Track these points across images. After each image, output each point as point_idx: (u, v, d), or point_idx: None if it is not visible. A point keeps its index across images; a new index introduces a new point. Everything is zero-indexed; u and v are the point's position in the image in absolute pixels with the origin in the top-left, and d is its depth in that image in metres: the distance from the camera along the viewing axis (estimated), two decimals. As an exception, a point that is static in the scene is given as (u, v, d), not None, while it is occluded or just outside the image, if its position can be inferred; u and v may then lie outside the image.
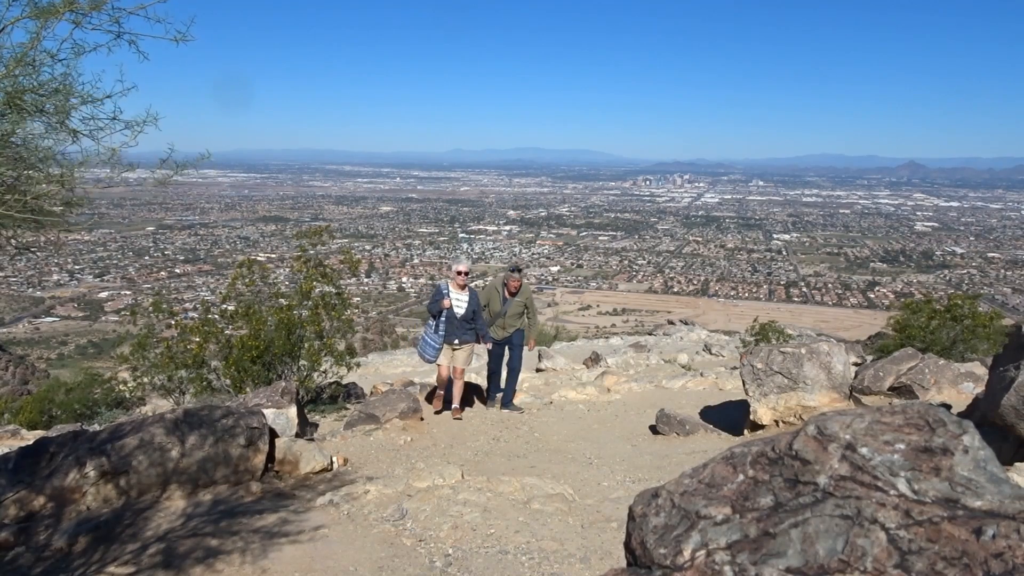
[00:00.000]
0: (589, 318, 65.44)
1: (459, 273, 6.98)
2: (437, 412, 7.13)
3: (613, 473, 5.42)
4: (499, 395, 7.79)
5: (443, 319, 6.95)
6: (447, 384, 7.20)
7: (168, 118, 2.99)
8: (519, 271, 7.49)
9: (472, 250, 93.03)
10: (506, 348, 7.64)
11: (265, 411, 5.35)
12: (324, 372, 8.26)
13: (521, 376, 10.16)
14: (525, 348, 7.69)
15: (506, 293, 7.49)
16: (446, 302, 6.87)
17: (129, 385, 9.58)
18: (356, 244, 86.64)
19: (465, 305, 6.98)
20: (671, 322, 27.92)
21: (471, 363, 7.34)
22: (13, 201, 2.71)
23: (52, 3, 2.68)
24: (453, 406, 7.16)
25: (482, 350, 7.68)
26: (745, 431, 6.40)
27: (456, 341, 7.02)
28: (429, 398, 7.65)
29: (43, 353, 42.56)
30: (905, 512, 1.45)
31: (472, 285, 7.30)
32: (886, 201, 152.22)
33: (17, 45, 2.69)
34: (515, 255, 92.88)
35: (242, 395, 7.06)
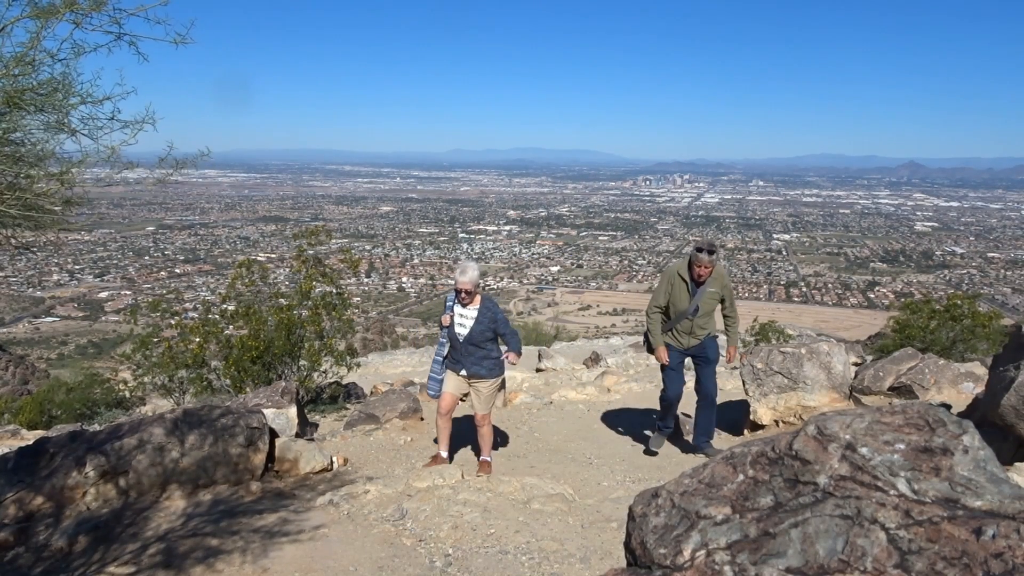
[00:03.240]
0: (589, 318, 65.42)
1: (458, 291, 5.15)
2: (428, 465, 5.26)
3: (613, 473, 5.42)
4: (669, 433, 6.03)
5: (444, 339, 5.36)
6: (447, 424, 5.39)
7: (168, 118, 2.99)
8: (711, 252, 5.26)
9: (472, 250, 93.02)
10: (691, 362, 5.79)
11: (265, 411, 5.35)
12: (324, 372, 8.26)
13: (521, 376, 10.07)
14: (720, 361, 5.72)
15: (693, 281, 5.42)
16: (446, 318, 5.29)
17: (129, 385, 9.59)
18: (356, 244, 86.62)
19: (470, 324, 5.17)
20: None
21: (492, 405, 5.44)
22: (12, 199, 2.71)
23: (52, 3, 2.68)
24: (481, 458, 5.43)
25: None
26: (745, 431, 6.40)
27: (463, 372, 5.26)
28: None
29: (43, 353, 42.54)
30: (905, 512, 1.45)
31: (487, 293, 5.64)
32: (886, 201, 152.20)
33: (17, 44, 2.70)
34: (515, 255, 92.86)
35: (242, 395, 7.07)
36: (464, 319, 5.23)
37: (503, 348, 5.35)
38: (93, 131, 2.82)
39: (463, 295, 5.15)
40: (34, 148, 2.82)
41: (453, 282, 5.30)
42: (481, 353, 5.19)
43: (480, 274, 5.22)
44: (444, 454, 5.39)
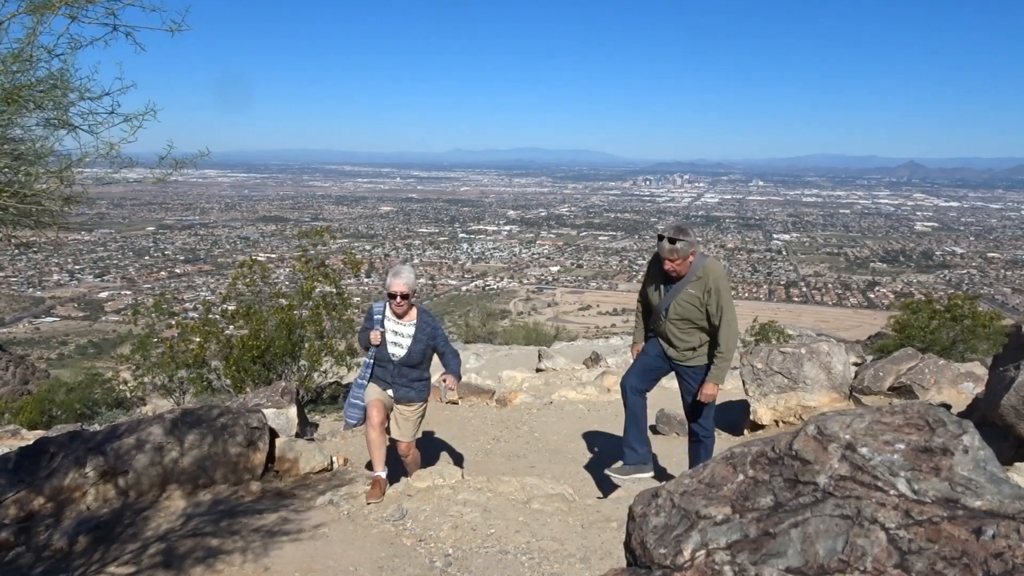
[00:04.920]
0: (589, 318, 65.40)
1: (392, 296, 4.39)
2: (372, 502, 4.31)
3: (613, 473, 5.42)
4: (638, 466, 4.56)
5: (371, 360, 4.52)
6: (381, 438, 4.53)
7: (168, 118, 2.99)
8: (673, 240, 4.11)
9: (472, 250, 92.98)
10: (672, 375, 4.59)
11: (265, 411, 5.35)
12: (324, 372, 8.27)
13: (521, 376, 10.06)
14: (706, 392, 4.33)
15: (663, 275, 4.33)
16: (375, 335, 4.43)
17: (130, 385, 9.59)
18: (356, 244, 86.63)
19: (407, 342, 4.46)
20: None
21: (419, 431, 4.70)
22: (11, 197, 2.71)
23: None
24: (378, 473, 4.47)
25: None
26: (745, 431, 6.40)
27: (391, 392, 4.51)
28: (371, 466, 4.70)
29: (43, 353, 42.53)
30: (905, 512, 1.45)
31: (423, 306, 4.75)
32: (886, 201, 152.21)
33: (14, 41, 2.70)
34: (515, 255, 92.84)
35: (242, 395, 7.07)
36: (399, 336, 4.50)
37: (426, 371, 4.64)
38: (93, 127, 2.82)
39: (397, 303, 4.42)
40: (33, 145, 2.82)
41: (386, 293, 4.47)
42: (415, 374, 4.52)
43: (416, 279, 4.53)
44: (383, 474, 4.49)
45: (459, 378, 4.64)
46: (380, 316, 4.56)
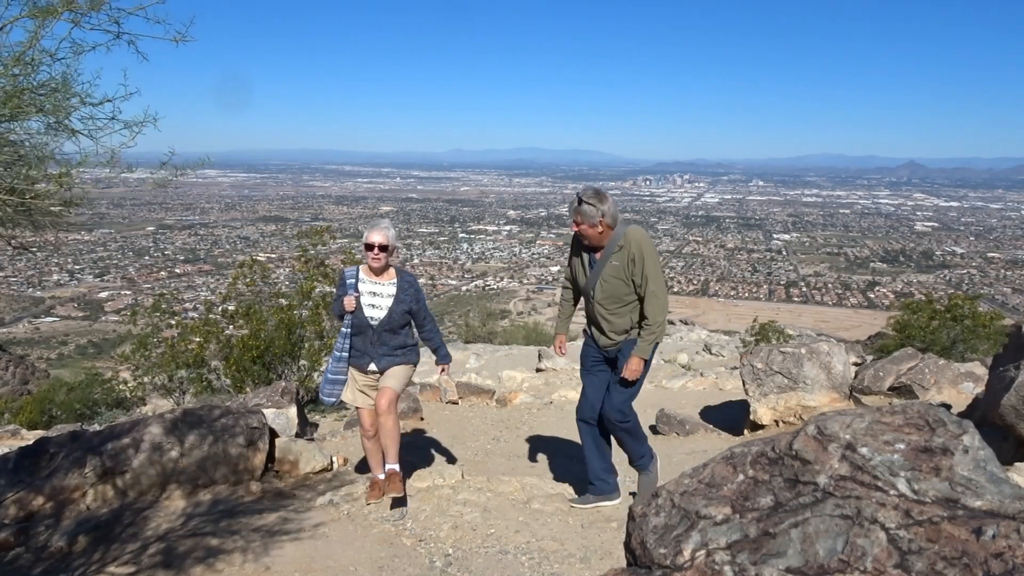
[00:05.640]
0: (589, 318, 65.35)
1: (370, 248, 3.97)
2: (372, 502, 4.17)
3: (613, 473, 5.42)
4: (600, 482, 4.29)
5: (348, 328, 4.07)
6: (376, 445, 4.22)
7: (168, 118, 2.99)
8: (581, 201, 3.79)
9: (472, 250, 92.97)
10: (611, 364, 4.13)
11: (265, 411, 5.35)
12: (324, 372, 8.26)
13: (521, 376, 10.06)
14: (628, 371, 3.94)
15: (585, 248, 3.98)
16: (349, 300, 4.00)
17: (130, 385, 9.59)
18: (356, 244, 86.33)
19: (386, 303, 4.03)
20: (671, 322, 27.91)
21: (404, 387, 4.24)
22: (12, 200, 2.71)
23: (51, 3, 2.68)
24: (388, 467, 4.15)
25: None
26: (745, 431, 6.40)
27: (372, 366, 4.09)
28: (362, 467, 4.77)
29: (43, 353, 42.55)
30: (905, 512, 1.45)
31: (405, 268, 4.43)
32: (886, 201, 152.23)
33: (16, 44, 2.70)
34: (515, 255, 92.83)
35: (242, 395, 7.07)
36: (377, 297, 4.05)
37: (418, 342, 4.23)
38: (93, 132, 2.83)
39: (374, 255, 3.95)
40: (34, 149, 2.82)
41: (363, 245, 4.02)
42: (396, 341, 4.07)
43: (396, 235, 4.05)
44: (382, 476, 4.26)
45: (450, 360, 4.35)
46: (353, 280, 4.07)
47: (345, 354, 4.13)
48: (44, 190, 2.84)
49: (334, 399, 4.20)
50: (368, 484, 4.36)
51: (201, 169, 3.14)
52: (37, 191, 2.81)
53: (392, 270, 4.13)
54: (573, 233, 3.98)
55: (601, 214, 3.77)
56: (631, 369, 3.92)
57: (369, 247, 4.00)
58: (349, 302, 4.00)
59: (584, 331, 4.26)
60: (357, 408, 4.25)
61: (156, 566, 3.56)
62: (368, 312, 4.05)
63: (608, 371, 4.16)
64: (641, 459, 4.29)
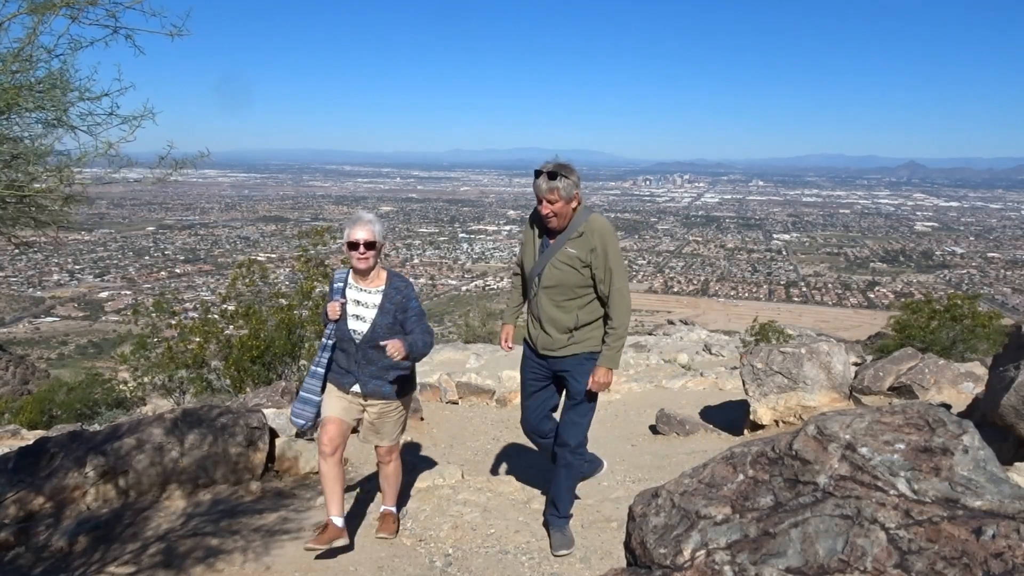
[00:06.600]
0: (589, 318, 65.26)
1: (353, 246, 3.39)
2: (312, 547, 3.51)
3: (613, 473, 5.42)
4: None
5: (329, 339, 3.51)
6: (337, 471, 3.52)
7: (168, 118, 3.00)
8: (553, 176, 3.30)
9: (472, 250, 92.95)
10: (557, 381, 3.71)
11: (265, 411, 5.35)
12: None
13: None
14: (593, 383, 3.49)
15: (541, 229, 3.53)
16: (333, 307, 3.46)
17: (130, 385, 9.59)
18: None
19: (371, 313, 3.45)
20: (671, 322, 27.91)
21: (401, 433, 3.74)
22: (11, 197, 2.72)
23: None
24: (383, 508, 3.85)
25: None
26: (745, 431, 6.40)
27: (356, 388, 3.51)
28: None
29: (43, 353, 42.55)
30: (905, 512, 1.45)
31: (405, 268, 4.04)
32: (886, 201, 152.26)
33: (14, 40, 2.70)
34: (515, 255, 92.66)
35: (242, 395, 7.07)
36: (361, 307, 3.47)
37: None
38: (91, 127, 2.83)
39: (359, 255, 3.38)
40: (33, 145, 2.82)
41: (345, 243, 3.43)
42: (386, 361, 3.38)
43: (384, 231, 3.50)
44: (338, 521, 3.53)
45: (410, 354, 3.35)
46: (342, 284, 3.54)
47: (322, 369, 3.53)
48: (43, 188, 2.84)
49: (304, 422, 3.52)
50: (318, 529, 3.58)
51: (201, 164, 3.14)
52: (37, 187, 2.81)
53: (383, 273, 3.54)
54: (531, 214, 3.57)
55: (576, 187, 3.36)
56: (599, 382, 3.47)
57: (353, 245, 3.38)
58: (333, 308, 3.45)
59: (524, 339, 3.72)
60: (325, 418, 3.53)
61: (156, 566, 3.56)
62: (352, 324, 3.47)
63: (552, 389, 3.72)
64: (564, 513, 3.78)
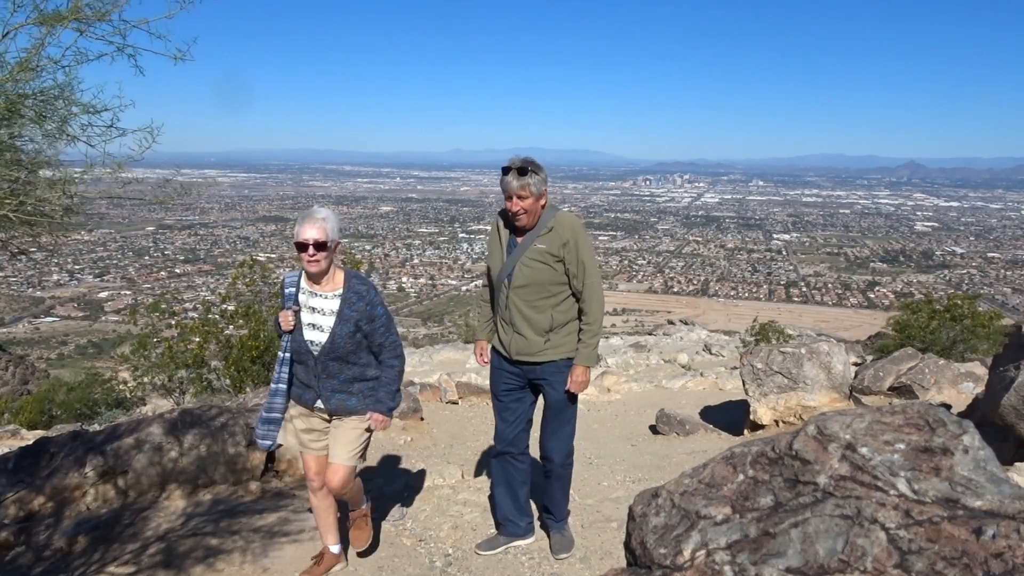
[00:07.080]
0: (589, 318, 65.19)
1: (302, 247, 2.95)
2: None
3: (613, 473, 5.42)
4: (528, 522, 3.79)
5: (285, 352, 3.15)
6: (328, 503, 3.35)
7: (168, 118, 3.03)
8: (523, 172, 3.20)
9: (472, 250, 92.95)
10: (533, 392, 3.64)
11: (265, 411, 5.35)
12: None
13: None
14: (572, 386, 3.43)
15: (510, 228, 3.42)
16: (286, 316, 3.07)
17: (129, 385, 9.59)
18: (356, 244, 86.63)
19: (328, 322, 3.07)
20: (671, 322, 27.90)
21: (361, 453, 3.27)
22: (13, 205, 2.73)
23: (58, 10, 2.71)
24: (353, 512, 3.54)
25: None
26: (745, 431, 6.40)
27: (319, 404, 3.18)
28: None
29: (43, 353, 42.57)
30: (905, 512, 1.44)
31: (361, 272, 3.79)
32: (886, 201, 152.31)
33: (21, 50, 2.72)
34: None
35: (242, 395, 7.07)
36: (317, 314, 3.09)
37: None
38: (92, 139, 2.85)
39: (309, 257, 2.94)
40: (35, 155, 2.85)
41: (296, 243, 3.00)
42: (350, 373, 3.12)
43: (339, 226, 3.06)
44: (335, 548, 3.44)
45: (390, 413, 3.17)
46: (294, 289, 3.12)
47: (283, 385, 3.17)
48: (46, 196, 2.86)
49: (270, 443, 3.22)
50: (313, 560, 3.46)
51: (200, 163, 3.19)
52: (38, 197, 2.83)
53: (339, 276, 3.10)
54: (497, 216, 3.45)
55: (544, 183, 3.26)
56: (578, 382, 3.39)
57: (302, 246, 2.94)
58: (285, 318, 3.06)
59: (492, 348, 3.60)
60: (305, 457, 3.31)
61: (156, 566, 3.56)
62: (308, 334, 3.09)
63: (528, 399, 3.61)
64: (562, 517, 3.75)
